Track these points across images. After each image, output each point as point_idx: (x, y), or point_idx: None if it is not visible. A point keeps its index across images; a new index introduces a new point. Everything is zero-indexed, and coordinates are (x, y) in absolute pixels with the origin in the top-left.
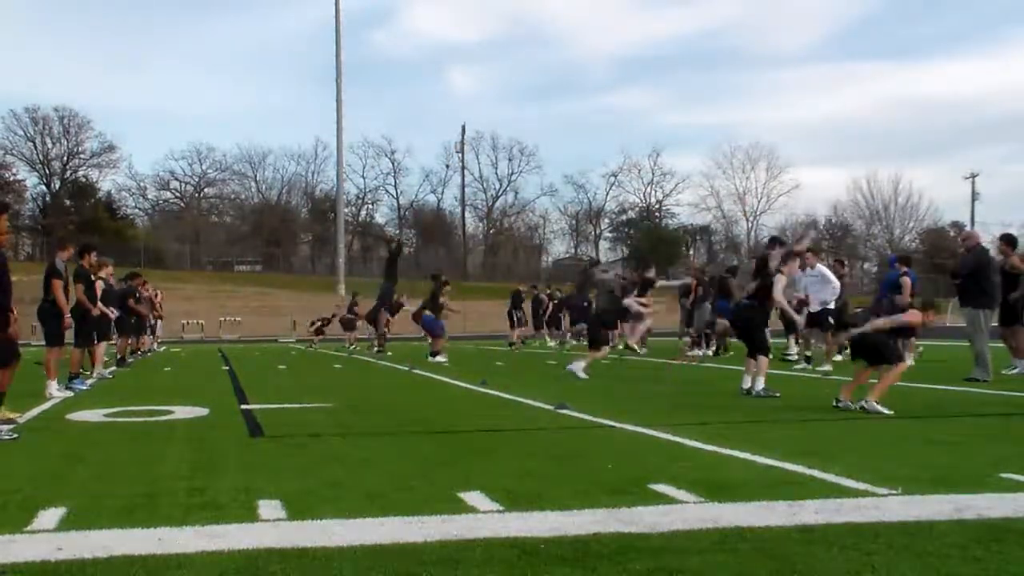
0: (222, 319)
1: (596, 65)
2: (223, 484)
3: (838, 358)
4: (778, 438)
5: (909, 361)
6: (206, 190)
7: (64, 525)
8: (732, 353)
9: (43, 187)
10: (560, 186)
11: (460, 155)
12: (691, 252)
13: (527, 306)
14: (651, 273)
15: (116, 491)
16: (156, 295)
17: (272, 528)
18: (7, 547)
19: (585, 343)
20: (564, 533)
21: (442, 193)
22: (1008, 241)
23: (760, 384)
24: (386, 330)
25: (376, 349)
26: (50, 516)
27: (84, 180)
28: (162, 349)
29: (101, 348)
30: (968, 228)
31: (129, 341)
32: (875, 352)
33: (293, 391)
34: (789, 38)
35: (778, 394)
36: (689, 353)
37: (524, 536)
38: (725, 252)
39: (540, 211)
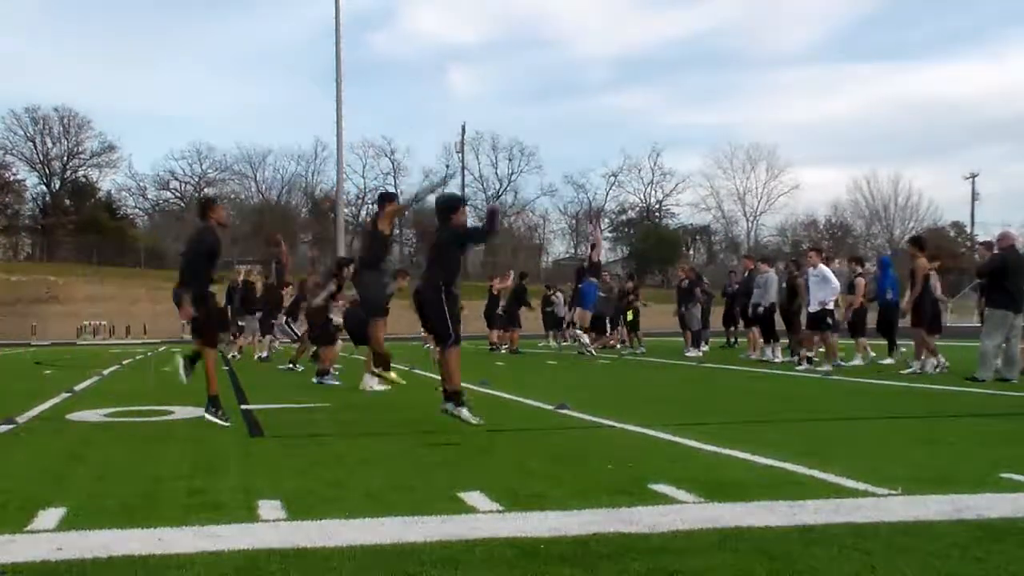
0: None
1: (596, 65)
2: (223, 484)
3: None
4: (778, 438)
5: (858, 360)
6: (206, 190)
7: (64, 525)
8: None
9: (43, 187)
10: (560, 186)
11: (460, 155)
12: (691, 252)
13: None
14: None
15: (116, 491)
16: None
17: (272, 528)
18: (7, 547)
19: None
20: (564, 533)
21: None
22: (915, 243)
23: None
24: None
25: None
26: (50, 516)
27: (84, 180)
28: (162, 349)
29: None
30: (968, 228)
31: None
32: None
33: (293, 391)
34: (789, 38)
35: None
36: (688, 354)
37: (524, 536)
38: (725, 252)
39: (540, 211)
